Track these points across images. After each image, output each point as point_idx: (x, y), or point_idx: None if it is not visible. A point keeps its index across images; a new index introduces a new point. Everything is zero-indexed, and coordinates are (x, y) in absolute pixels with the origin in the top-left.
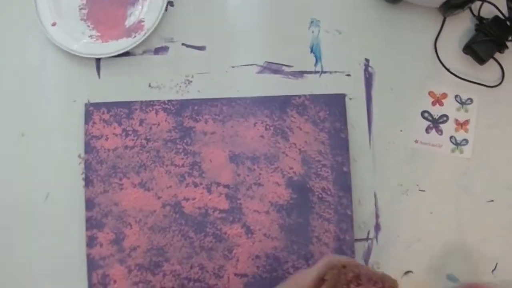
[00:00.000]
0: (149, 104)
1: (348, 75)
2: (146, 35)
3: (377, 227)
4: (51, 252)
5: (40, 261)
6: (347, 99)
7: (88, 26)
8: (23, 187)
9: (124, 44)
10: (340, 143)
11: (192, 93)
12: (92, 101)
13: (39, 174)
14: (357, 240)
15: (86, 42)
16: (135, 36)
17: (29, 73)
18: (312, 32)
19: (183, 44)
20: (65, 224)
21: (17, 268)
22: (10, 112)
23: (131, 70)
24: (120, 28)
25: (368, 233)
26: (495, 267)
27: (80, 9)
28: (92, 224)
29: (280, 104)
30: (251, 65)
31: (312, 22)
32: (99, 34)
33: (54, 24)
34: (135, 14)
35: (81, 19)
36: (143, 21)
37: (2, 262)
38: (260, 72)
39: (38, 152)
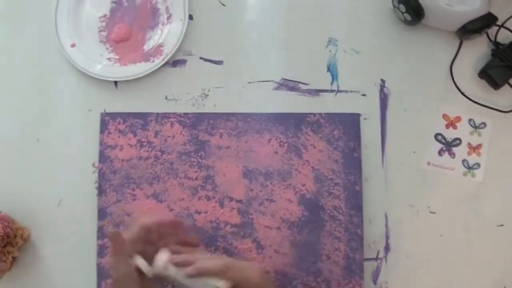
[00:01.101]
0: (165, 116)
1: (364, 95)
2: (165, 60)
3: (387, 248)
4: (62, 259)
5: (50, 267)
6: (361, 118)
7: (107, 48)
8: (37, 192)
9: (142, 68)
10: (353, 162)
11: (208, 107)
12: (108, 111)
13: (53, 180)
14: (366, 259)
15: (105, 65)
16: (153, 61)
17: (46, 80)
18: (330, 51)
19: (201, 58)
20: (77, 232)
21: (27, 272)
22: (26, 118)
23: (149, 81)
24: (139, 52)
25: (378, 253)
26: None
27: (100, 31)
28: (103, 233)
29: (295, 121)
30: (267, 81)
31: (330, 41)
32: (117, 57)
33: (73, 45)
34: (154, 39)
35: (100, 41)
36: (162, 46)
37: (15, 267)
38: (276, 88)
39: (53, 158)
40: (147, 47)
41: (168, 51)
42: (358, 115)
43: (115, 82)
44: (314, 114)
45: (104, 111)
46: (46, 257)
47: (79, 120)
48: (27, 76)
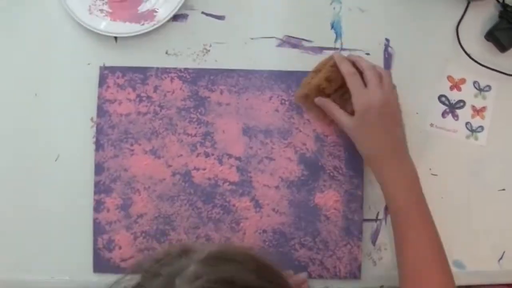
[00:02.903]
0: (165, 71)
1: (368, 54)
2: (155, 26)
3: (387, 209)
4: (59, 214)
5: (47, 221)
6: None
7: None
8: (35, 147)
9: (130, 28)
10: None
11: (209, 62)
12: (107, 65)
13: (50, 134)
14: (365, 220)
15: (95, 16)
16: (143, 24)
17: (45, 33)
18: (334, 8)
19: (202, 12)
20: (74, 187)
21: (24, 227)
22: (24, 72)
23: (149, 36)
24: (132, 12)
25: (378, 214)
26: (502, 256)
27: None
28: (100, 188)
29: (297, 79)
30: (270, 37)
31: None
32: (110, 10)
33: None
34: (150, 2)
35: None
36: (156, 12)
37: (10, 221)
38: (279, 45)
39: (51, 113)
40: (141, 8)
41: (160, 18)
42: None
43: (115, 37)
44: None
45: (104, 65)
46: (43, 211)
47: (78, 74)
48: (25, 30)
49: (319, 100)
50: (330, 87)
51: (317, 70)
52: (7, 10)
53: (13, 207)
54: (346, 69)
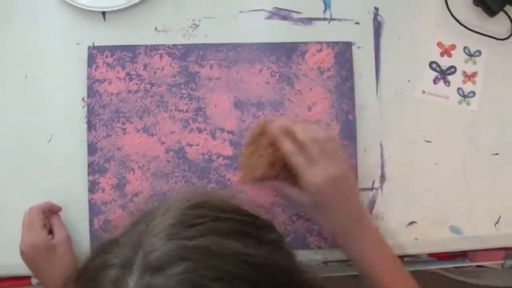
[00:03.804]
0: (154, 48)
1: (357, 23)
2: None
3: (382, 177)
4: (54, 195)
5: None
6: (355, 47)
7: None
8: (27, 128)
9: (115, 2)
10: (345, 91)
11: (199, 38)
12: (97, 44)
13: (43, 116)
14: (361, 189)
15: None
16: None
17: (33, 14)
18: None
19: None
20: (68, 168)
21: (19, 209)
22: (13, 55)
23: (138, 12)
24: None
25: (373, 183)
26: (498, 220)
27: None
28: (94, 169)
29: (286, 51)
30: (259, 10)
31: None
32: None
33: None
34: None
35: None
36: None
37: (5, 203)
38: (268, 17)
39: (42, 95)
40: None
41: None
42: (350, 43)
43: (103, 14)
44: (306, 43)
45: (93, 44)
46: (38, 193)
47: (67, 54)
48: (11, 13)
49: (267, 184)
50: (276, 169)
51: (250, 143)
52: None
53: (7, 189)
54: (286, 149)
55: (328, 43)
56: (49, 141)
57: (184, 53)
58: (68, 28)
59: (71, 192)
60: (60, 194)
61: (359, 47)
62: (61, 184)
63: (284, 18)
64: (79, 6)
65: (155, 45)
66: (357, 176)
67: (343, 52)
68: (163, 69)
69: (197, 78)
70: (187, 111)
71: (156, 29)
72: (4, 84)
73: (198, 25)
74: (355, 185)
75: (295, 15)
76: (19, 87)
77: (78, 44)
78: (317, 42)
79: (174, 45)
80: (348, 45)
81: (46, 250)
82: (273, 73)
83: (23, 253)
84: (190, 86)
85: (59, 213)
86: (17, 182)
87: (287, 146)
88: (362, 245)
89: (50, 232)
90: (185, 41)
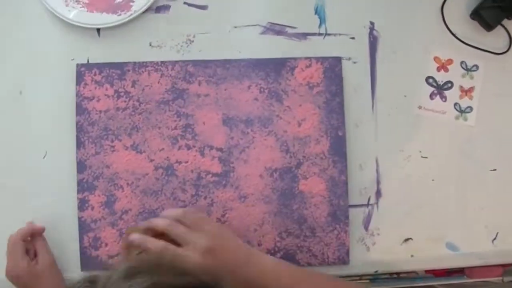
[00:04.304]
0: (142, 65)
1: (353, 38)
2: (132, 16)
3: (378, 193)
4: (46, 212)
5: (35, 220)
6: (350, 62)
7: None
8: (23, 144)
9: (106, 19)
10: (335, 107)
11: (193, 53)
12: (91, 60)
13: (38, 132)
14: (357, 206)
15: (71, 8)
16: (120, 14)
17: (25, 30)
18: None
19: (185, 3)
20: (60, 185)
21: (8, 228)
22: (8, 70)
23: (132, 28)
24: (109, 2)
25: (369, 199)
26: (496, 236)
27: None
28: (83, 186)
29: (275, 67)
30: (254, 25)
31: None
32: (86, 1)
33: None
34: None
35: None
36: (132, 1)
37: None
38: (263, 33)
39: (36, 110)
40: None
41: (137, 8)
42: (339, 58)
43: (98, 30)
44: (295, 59)
45: (88, 60)
46: (32, 210)
47: (62, 70)
48: (5, 28)
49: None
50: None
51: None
52: None
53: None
54: (153, 248)
55: (318, 58)
56: (44, 157)
57: (172, 69)
58: (62, 44)
59: (62, 209)
60: (52, 211)
61: (355, 62)
62: (54, 200)
63: (278, 33)
64: (74, 23)
65: (143, 62)
66: (347, 192)
67: (332, 67)
68: (151, 86)
69: (185, 95)
70: (175, 128)
71: (150, 44)
72: (1, 99)
73: (192, 41)
74: (223, 230)
75: (290, 30)
76: (14, 102)
77: (72, 59)
78: (306, 58)
79: (162, 62)
80: (337, 60)
81: (30, 277)
82: (262, 89)
83: (9, 280)
84: (178, 103)
85: (44, 234)
86: (8, 199)
87: (152, 244)
88: (267, 272)
89: (36, 255)
90: (179, 56)
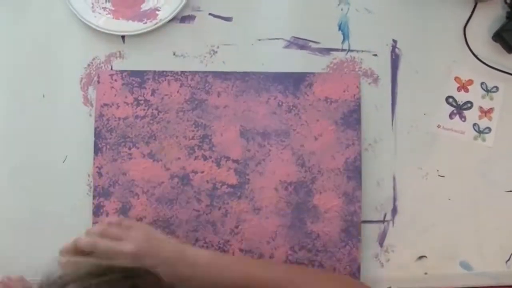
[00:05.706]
0: (162, 74)
1: (375, 55)
2: (157, 25)
3: (394, 210)
4: (63, 217)
5: (52, 224)
6: (371, 79)
7: None
8: (43, 147)
9: (132, 27)
10: (352, 122)
11: (216, 64)
12: (115, 66)
13: (58, 135)
14: (373, 222)
15: (98, 14)
16: (145, 23)
17: (51, 34)
18: (341, 9)
19: (210, 14)
20: (77, 190)
21: (29, 228)
22: (31, 74)
23: (157, 37)
24: (135, 10)
25: (385, 216)
26: (510, 257)
27: None
28: (99, 192)
29: (294, 81)
30: (277, 39)
31: None
32: (112, 8)
33: None
34: (153, 0)
35: None
36: (158, 10)
37: (17, 222)
38: (286, 46)
39: (57, 114)
40: (144, 6)
41: (163, 17)
42: (358, 74)
43: (123, 37)
44: (314, 74)
45: (111, 67)
46: (46, 214)
47: (84, 76)
48: (31, 32)
49: None
50: None
51: None
52: (12, 14)
53: (21, 207)
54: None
55: (337, 74)
56: (63, 161)
57: (192, 80)
58: (87, 49)
59: (79, 214)
60: (69, 216)
61: (376, 79)
62: (72, 205)
63: (302, 47)
64: (100, 29)
65: (163, 71)
66: (361, 208)
67: (351, 84)
68: (171, 95)
69: (204, 105)
70: (193, 138)
71: (174, 54)
72: (22, 103)
73: (216, 52)
74: (158, 238)
75: (313, 45)
76: (37, 106)
77: (95, 66)
78: (326, 73)
79: (182, 72)
80: (357, 77)
81: None
82: (280, 103)
83: None
84: (197, 113)
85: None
86: (25, 202)
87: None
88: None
89: None
90: (202, 67)
